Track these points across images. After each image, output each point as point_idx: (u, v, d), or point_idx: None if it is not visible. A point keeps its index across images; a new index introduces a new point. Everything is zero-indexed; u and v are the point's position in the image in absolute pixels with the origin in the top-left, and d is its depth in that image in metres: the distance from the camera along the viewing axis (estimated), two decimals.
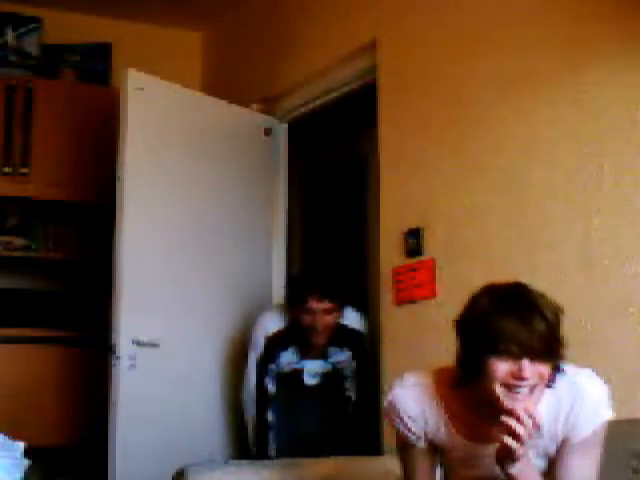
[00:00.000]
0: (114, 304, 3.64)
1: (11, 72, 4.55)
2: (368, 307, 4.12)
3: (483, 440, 1.99)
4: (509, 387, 1.83)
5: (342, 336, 3.51)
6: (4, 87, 4.44)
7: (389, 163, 3.54)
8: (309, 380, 3.59)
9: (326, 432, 3.60)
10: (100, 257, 4.23)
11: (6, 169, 4.40)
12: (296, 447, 3.45)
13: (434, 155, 3.29)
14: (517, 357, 1.82)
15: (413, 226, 3.34)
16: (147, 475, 3.50)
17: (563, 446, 1.95)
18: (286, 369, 3.56)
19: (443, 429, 2.03)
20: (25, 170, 4.43)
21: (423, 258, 3.29)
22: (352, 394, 3.58)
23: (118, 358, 3.57)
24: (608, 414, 1.94)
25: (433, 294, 3.23)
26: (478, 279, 3.01)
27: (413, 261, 3.33)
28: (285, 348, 3.52)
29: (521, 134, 2.93)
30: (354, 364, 3.56)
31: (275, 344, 3.52)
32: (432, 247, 3.26)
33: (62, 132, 4.52)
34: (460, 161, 3.17)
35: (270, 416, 3.53)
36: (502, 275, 2.94)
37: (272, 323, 3.56)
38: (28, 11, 4.63)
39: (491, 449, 1.94)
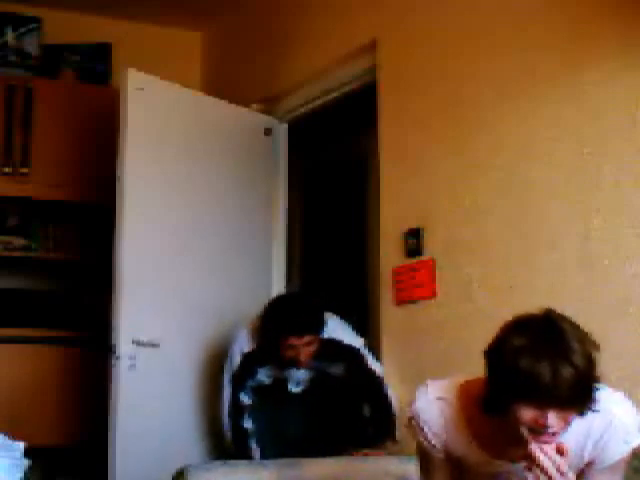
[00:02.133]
0: (114, 304, 3.63)
1: (11, 72, 4.55)
2: (368, 307, 4.12)
3: (508, 458, 1.98)
4: (533, 431, 1.81)
5: (328, 350, 3.35)
6: (4, 87, 4.44)
7: (389, 163, 3.53)
8: (294, 388, 3.50)
9: (313, 437, 3.50)
10: (100, 257, 4.23)
11: (6, 169, 4.40)
12: (283, 453, 3.29)
13: (434, 155, 3.29)
14: (543, 407, 1.78)
15: (413, 226, 3.34)
16: (147, 475, 3.50)
17: (589, 467, 1.96)
18: (267, 381, 3.46)
19: (466, 446, 2.02)
20: (25, 170, 4.43)
21: (423, 258, 3.28)
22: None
23: (118, 358, 3.57)
24: (638, 441, 1.93)
25: (433, 294, 3.23)
26: (478, 279, 3.05)
27: (413, 261, 3.33)
28: (262, 364, 3.41)
29: (521, 134, 2.93)
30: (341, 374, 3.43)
31: (251, 361, 3.41)
32: (432, 247, 3.26)
33: (62, 132, 4.52)
34: (460, 161, 3.17)
35: (248, 424, 3.45)
36: (502, 275, 2.95)
37: (246, 342, 3.44)
38: (28, 11, 4.64)
39: (515, 467, 1.96)
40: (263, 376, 3.45)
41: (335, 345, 3.35)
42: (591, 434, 1.92)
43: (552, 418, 1.78)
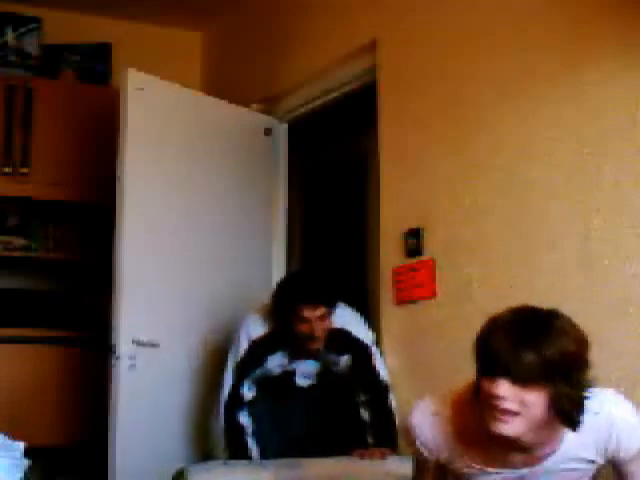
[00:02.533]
0: (114, 304, 3.64)
1: (11, 72, 4.56)
2: (368, 307, 4.12)
3: (500, 465, 2.00)
4: (490, 407, 1.83)
5: (337, 340, 3.31)
6: (4, 87, 4.45)
7: (389, 163, 3.54)
8: (301, 381, 3.45)
9: (315, 434, 3.45)
10: (100, 257, 4.23)
11: (6, 169, 4.41)
12: (284, 450, 3.29)
13: (434, 155, 3.29)
14: (495, 376, 1.82)
15: (413, 226, 3.34)
16: (147, 475, 3.50)
17: (617, 465, 2.00)
18: (276, 372, 3.39)
19: (459, 459, 2.04)
20: (25, 170, 4.44)
21: (423, 258, 3.29)
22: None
23: (118, 358, 3.57)
24: None
25: (433, 294, 3.23)
26: (478, 279, 3.05)
27: (413, 261, 3.33)
28: (273, 352, 3.33)
29: (521, 134, 2.93)
30: (349, 368, 3.37)
31: (261, 348, 3.33)
32: (432, 247, 3.26)
33: (62, 132, 4.52)
34: (460, 161, 3.17)
35: (244, 420, 3.34)
36: (502, 275, 2.95)
37: (256, 327, 3.37)
38: (28, 11, 4.64)
39: (509, 473, 1.98)
40: (272, 365, 3.36)
41: (345, 336, 3.31)
42: (598, 438, 1.95)
43: (502, 386, 1.79)
